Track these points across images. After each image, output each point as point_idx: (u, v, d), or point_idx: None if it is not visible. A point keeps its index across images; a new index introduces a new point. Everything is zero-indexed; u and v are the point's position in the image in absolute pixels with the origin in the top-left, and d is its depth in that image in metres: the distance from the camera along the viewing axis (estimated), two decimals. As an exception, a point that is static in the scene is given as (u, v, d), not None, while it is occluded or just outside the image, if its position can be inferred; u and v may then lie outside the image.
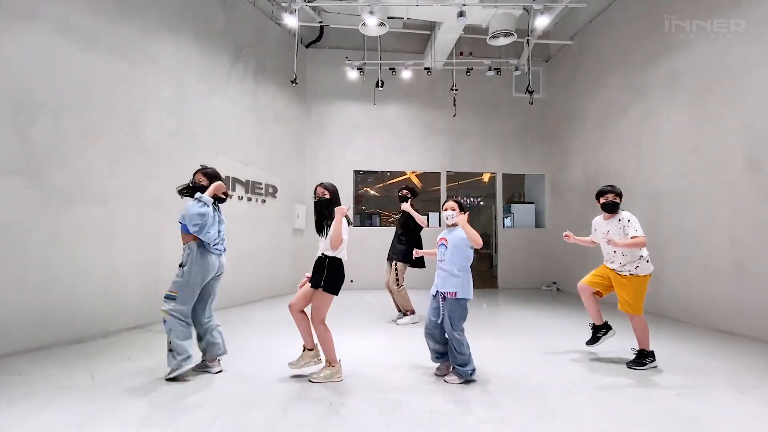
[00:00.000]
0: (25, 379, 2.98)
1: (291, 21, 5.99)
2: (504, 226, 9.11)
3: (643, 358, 3.31)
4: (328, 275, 2.94)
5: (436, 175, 8.99)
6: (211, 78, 5.97)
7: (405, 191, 5.22)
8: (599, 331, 3.61)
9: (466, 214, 3.08)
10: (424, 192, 14.20)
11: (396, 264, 5.05)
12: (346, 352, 3.48)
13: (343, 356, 3.28)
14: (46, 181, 3.89)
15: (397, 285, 5.01)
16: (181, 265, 3.03)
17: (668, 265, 5.53)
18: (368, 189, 15.75)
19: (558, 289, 8.26)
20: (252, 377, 3.05)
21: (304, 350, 3.10)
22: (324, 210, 3.06)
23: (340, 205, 3.05)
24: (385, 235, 6.35)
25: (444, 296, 3.01)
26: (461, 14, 5.76)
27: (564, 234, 3.75)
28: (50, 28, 3.95)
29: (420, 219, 4.99)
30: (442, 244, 3.12)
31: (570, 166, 8.14)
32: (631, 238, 3.27)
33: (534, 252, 8.83)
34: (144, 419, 2.34)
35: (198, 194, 3.07)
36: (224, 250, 3.24)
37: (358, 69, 7.72)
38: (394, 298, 5.12)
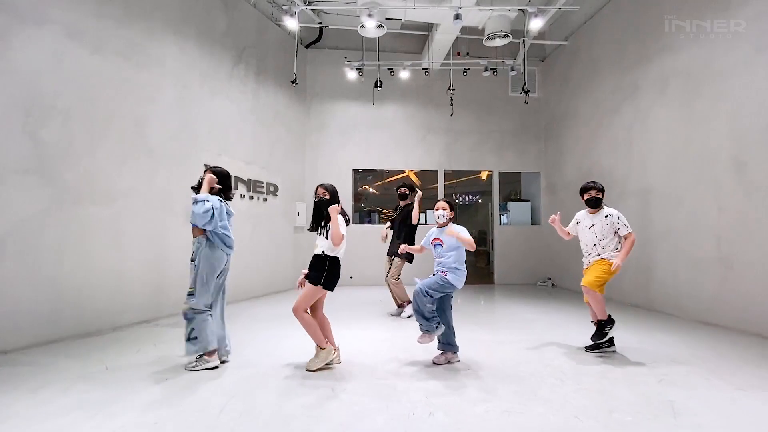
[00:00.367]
0: (43, 370, 3.13)
1: (291, 24, 6.13)
2: (500, 223, 9.28)
3: (603, 327, 3.49)
4: (328, 273, 3.09)
5: (434, 174, 9.16)
6: (214, 79, 6.10)
7: (403, 188, 5.37)
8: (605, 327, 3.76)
9: (451, 213, 3.33)
10: (422, 190, 14.38)
11: (393, 258, 5.22)
12: (346, 343, 3.66)
13: (344, 347, 3.46)
14: (56, 180, 4.03)
15: (395, 279, 5.19)
16: (192, 260, 3.17)
17: (658, 260, 5.71)
18: (367, 187, 15.90)
19: (553, 284, 8.45)
20: (256, 367, 3.21)
21: (318, 350, 3.16)
22: (324, 210, 3.19)
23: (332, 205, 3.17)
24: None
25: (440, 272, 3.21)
26: (457, 17, 5.90)
27: (552, 216, 3.81)
28: (60, 32, 4.08)
29: (415, 215, 5.15)
30: (438, 244, 3.29)
31: (564, 164, 8.31)
32: (624, 237, 3.47)
33: (530, 248, 9.01)
34: (157, 404, 2.50)
35: (193, 195, 3.16)
36: (233, 249, 3.36)
37: (357, 69, 7.86)
38: (391, 292, 5.29)
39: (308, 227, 3.34)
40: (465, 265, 3.27)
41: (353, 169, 8.84)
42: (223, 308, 3.37)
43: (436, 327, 3.14)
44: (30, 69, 3.86)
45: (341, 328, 4.26)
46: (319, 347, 3.13)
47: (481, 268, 12.46)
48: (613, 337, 3.59)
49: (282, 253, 7.65)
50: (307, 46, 8.62)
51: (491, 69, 8.02)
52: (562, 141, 8.42)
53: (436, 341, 3.33)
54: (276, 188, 7.45)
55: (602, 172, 6.95)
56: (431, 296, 3.13)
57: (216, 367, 3.15)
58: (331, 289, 3.15)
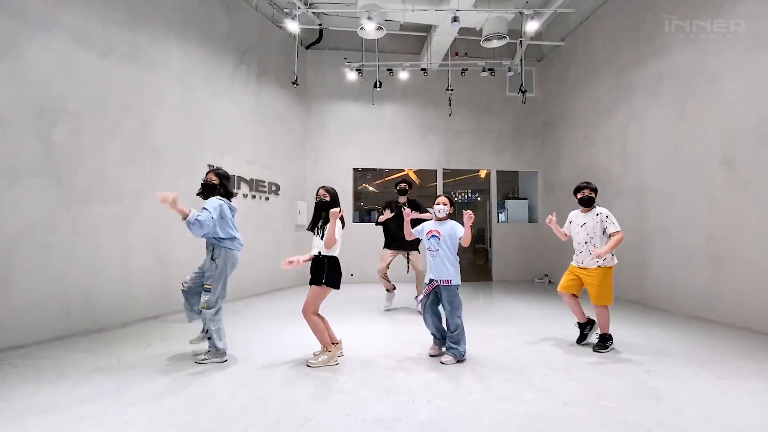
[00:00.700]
0: (57, 363, 3.27)
1: (292, 26, 6.25)
2: (498, 221, 9.43)
3: (606, 341, 3.65)
4: (329, 272, 3.22)
5: (433, 172, 9.30)
6: (217, 81, 6.23)
7: (403, 184, 5.49)
8: (585, 328, 3.87)
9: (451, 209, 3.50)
10: (421, 188, 14.53)
11: (410, 253, 5.37)
12: (348, 338, 3.81)
13: (346, 342, 3.62)
14: (66, 181, 4.17)
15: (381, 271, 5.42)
16: (213, 259, 3.30)
17: (652, 257, 5.86)
18: (366, 185, 16.04)
19: (550, 281, 8.61)
20: (262, 360, 3.35)
21: (324, 348, 3.29)
22: (324, 211, 3.31)
23: (333, 207, 3.26)
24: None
25: (440, 283, 3.34)
26: (455, 19, 6.03)
27: (549, 217, 3.88)
28: (69, 37, 4.21)
29: (408, 232, 5.22)
30: (434, 236, 3.43)
31: (561, 163, 8.45)
32: (611, 234, 3.59)
33: (527, 246, 9.16)
34: (170, 393, 2.64)
35: (184, 222, 3.02)
36: (243, 246, 3.51)
37: (356, 70, 7.98)
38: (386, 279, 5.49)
39: (307, 227, 3.48)
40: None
41: (353, 169, 8.98)
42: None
43: (463, 353, 3.32)
44: (41, 73, 3.99)
45: (343, 323, 4.41)
46: (326, 349, 3.26)
47: (479, 266, 12.61)
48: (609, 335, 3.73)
49: (284, 252, 7.78)
50: (307, 47, 8.74)
51: (489, 69, 8.15)
52: (559, 140, 8.56)
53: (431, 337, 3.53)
54: (278, 188, 7.58)
55: (598, 170, 7.10)
56: (460, 315, 3.35)
57: (225, 361, 3.30)
58: (337, 287, 3.26)
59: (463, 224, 3.35)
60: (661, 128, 5.76)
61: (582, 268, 3.74)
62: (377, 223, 5.52)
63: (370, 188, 16.31)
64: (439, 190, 9.16)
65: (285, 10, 6.57)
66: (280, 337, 4.09)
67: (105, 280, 4.50)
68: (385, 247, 5.56)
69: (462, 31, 7.62)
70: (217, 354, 3.29)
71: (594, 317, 3.80)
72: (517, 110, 9.16)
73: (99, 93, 4.50)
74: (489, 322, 4.85)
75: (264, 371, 3.08)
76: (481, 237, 14.50)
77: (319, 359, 3.22)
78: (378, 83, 7.96)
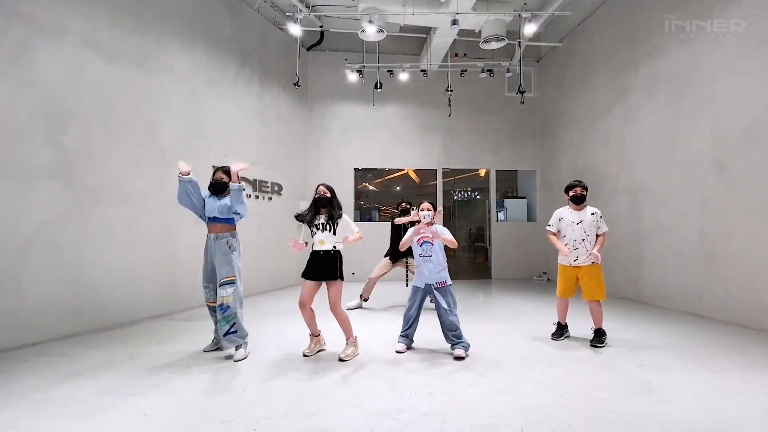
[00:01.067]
0: (71, 360, 3.39)
1: (294, 29, 6.36)
2: (498, 220, 9.55)
3: (602, 335, 3.80)
4: (340, 266, 3.43)
5: (433, 172, 9.42)
6: (220, 83, 6.34)
7: (405, 204, 5.67)
8: (564, 329, 4.08)
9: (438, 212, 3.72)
10: (421, 187, 14.65)
11: (408, 259, 5.58)
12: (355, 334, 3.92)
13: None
14: (76, 183, 4.28)
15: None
16: (233, 250, 3.46)
17: (647, 255, 5.99)
18: (366, 184, 16.14)
19: (548, 279, 8.74)
20: (269, 356, 3.48)
21: (313, 338, 3.55)
22: (323, 207, 3.46)
23: (339, 203, 3.52)
24: (384, 229, 6.76)
25: (436, 286, 3.53)
26: (454, 22, 6.14)
27: (564, 252, 3.87)
28: (78, 43, 4.32)
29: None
30: (427, 241, 3.56)
31: (559, 162, 8.57)
32: (600, 234, 3.82)
33: (526, 244, 9.29)
34: (183, 388, 2.76)
35: (234, 186, 3.42)
36: None
37: (357, 71, 8.09)
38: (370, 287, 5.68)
39: (303, 218, 3.53)
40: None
41: (354, 169, 9.09)
42: None
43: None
44: (52, 79, 4.10)
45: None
46: (354, 341, 3.47)
47: (478, 264, 12.74)
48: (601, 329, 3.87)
49: (286, 251, 7.89)
50: (308, 49, 8.84)
51: (488, 70, 8.26)
52: (557, 140, 8.68)
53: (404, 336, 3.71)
54: (280, 188, 7.70)
55: (595, 170, 7.22)
56: (456, 311, 3.54)
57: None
58: (343, 278, 3.50)
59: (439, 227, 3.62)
60: (655, 129, 5.88)
61: (576, 267, 3.87)
62: (392, 222, 5.66)
63: (371, 187, 16.43)
64: (439, 189, 9.29)
65: (287, 13, 6.67)
66: (285, 334, 4.22)
67: (114, 279, 4.62)
68: (387, 256, 5.71)
69: (461, 32, 7.73)
70: (245, 340, 3.45)
71: (582, 315, 3.92)
72: (515, 110, 9.28)
73: (107, 97, 4.61)
74: (488, 319, 4.97)
75: (271, 367, 3.20)
76: (480, 235, 14.63)
77: (349, 351, 3.40)
78: (378, 84, 8.07)
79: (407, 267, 5.62)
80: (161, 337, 4.10)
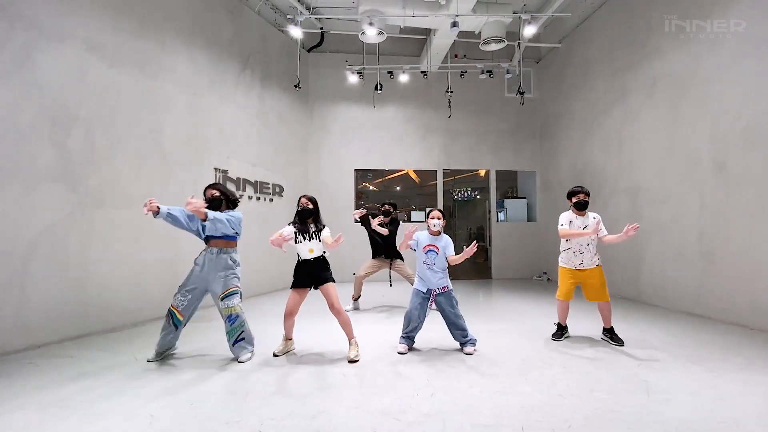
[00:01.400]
0: (77, 361, 3.43)
1: (295, 31, 6.39)
2: (498, 220, 9.58)
3: (613, 332, 3.91)
4: (330, 269, 3.64)
5: (433, 172, 9.45)
6: (222, 86, 6.38)
7: (387, 206, 5.73)
8: (565, 330, 4.13)
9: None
10: (421, 187, 14.68)
11: (394, 260, 5.64)
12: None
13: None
14: (80, 186, 4.32)
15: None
16: (237, 264, 3.59)
17: (646, 255, 6.02)
18: (367, 184, 16.18)
19: (548, 279, 8.78)
20: (272, 358, 3.52)
21: (287, 340, 3.70)
22: (307, 218, 3.63)
23: (319, 214, 3.67)
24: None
25: (439, 292, 3.64)
26: (454, 24, 6.17)
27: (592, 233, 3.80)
28: (81, 47, 4.35)
29: (383, 231, 5.27)
30: (432, 250, 3.61)
31: (559, 162, 8.60)
32: (603, 237, 3.85)
33: (526, 244, 9.33)
34: (189, 388, 2.80)
35: (213, 215, 3.30)
36: None
37: (357, 73, 8.12)
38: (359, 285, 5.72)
39: (296, 234, 3.65)
40: None
41: (355, 170, 9.12)
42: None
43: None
44: (55, 82, 4.13)
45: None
46: (355, 341, 3.54)
47: (479, 264, 12.76)
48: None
49: (287, 252, 7.92)
50: (309, 50, 8.88)
51: (488, 71, 8.29)
52: (557, 141, 8.71)
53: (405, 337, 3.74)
54: (281, 189, 7.73)
55: (594, 170, 7.25)
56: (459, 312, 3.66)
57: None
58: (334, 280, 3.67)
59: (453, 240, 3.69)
60: (654, 129, 5.91)
61: (581, 270, 3.91)
62: (360, 221, 5.61)
63: (371, 187, 16.46)
64: (439, 189, 9.32)
65: (287, 16, 6.71)
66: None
67: (117, 281, 4.66)
68: (373, 256, 5.81)
69: (461, 33, 7.76)
70: (251, 344, 3.54)
71: (582, 316, 3.97)
72: (515, 111, 9.31)
73: (110, 100, 4.64)
74: (489, 319, 5.01)
75: (274, 368, 3.24)
76: (480, 235, 14.66)
77: (356, 352, 3.46)
78: (379, 86, 8.10)
79: (391, 267, 5.65)
80: (165, 339, 4.12)
